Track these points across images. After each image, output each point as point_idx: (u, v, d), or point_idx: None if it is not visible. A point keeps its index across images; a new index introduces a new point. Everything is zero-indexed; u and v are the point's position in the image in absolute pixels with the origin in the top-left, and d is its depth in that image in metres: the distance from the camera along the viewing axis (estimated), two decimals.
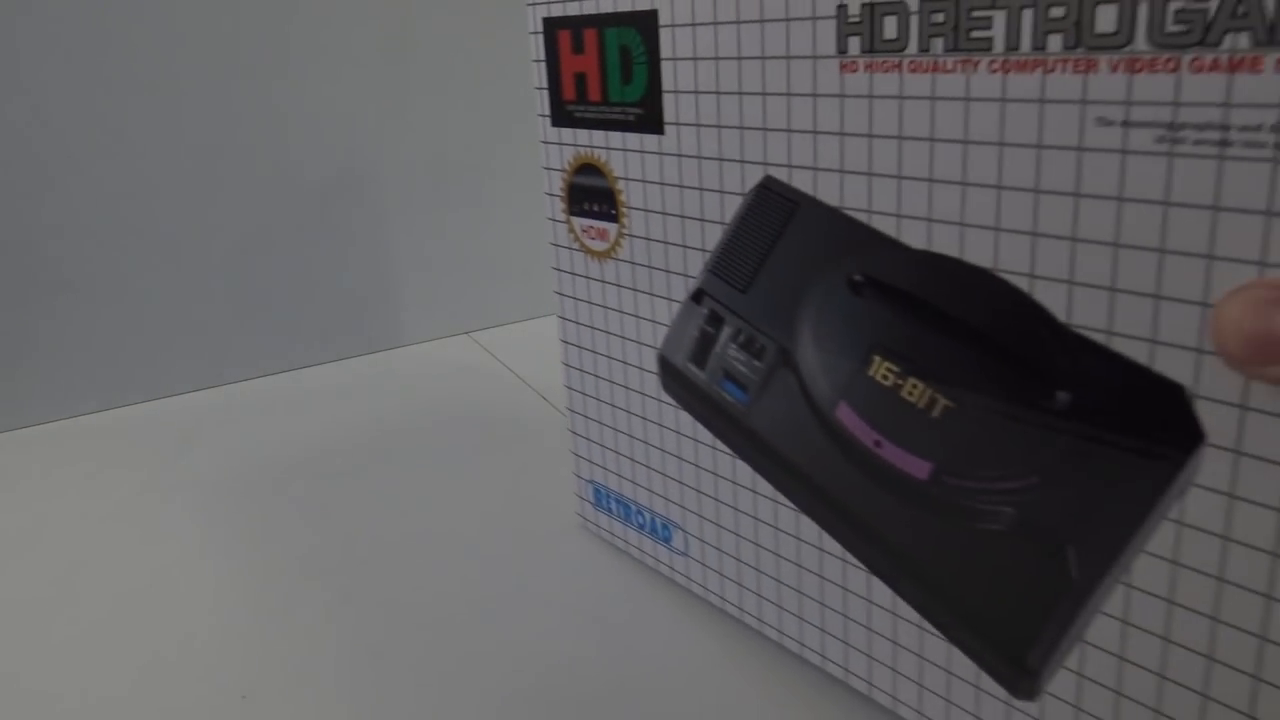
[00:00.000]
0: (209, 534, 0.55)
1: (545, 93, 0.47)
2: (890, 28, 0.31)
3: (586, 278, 0.48)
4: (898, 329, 0.34)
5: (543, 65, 0.46)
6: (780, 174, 0.37)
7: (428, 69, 0.80)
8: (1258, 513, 0.26)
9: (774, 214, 0.37)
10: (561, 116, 0.46)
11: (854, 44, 0.32)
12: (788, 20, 0.34)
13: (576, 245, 0.48)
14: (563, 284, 0.49)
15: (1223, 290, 0.25)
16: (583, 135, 0.45)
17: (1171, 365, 0.27)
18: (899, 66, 0.31)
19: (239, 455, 0.65)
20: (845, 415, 0.36)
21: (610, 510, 0.51)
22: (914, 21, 0.31)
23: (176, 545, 0.55)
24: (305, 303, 0.78)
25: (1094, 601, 0.30)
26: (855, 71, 0.33)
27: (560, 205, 0.48)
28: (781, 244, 0.37)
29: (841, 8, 0.33)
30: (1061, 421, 0.30)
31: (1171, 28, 0.25)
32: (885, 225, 0.33)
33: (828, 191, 0.35)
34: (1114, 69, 0.26)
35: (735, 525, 0.43)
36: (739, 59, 0.37)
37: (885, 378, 0.35)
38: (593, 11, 0.42)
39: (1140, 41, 0.25)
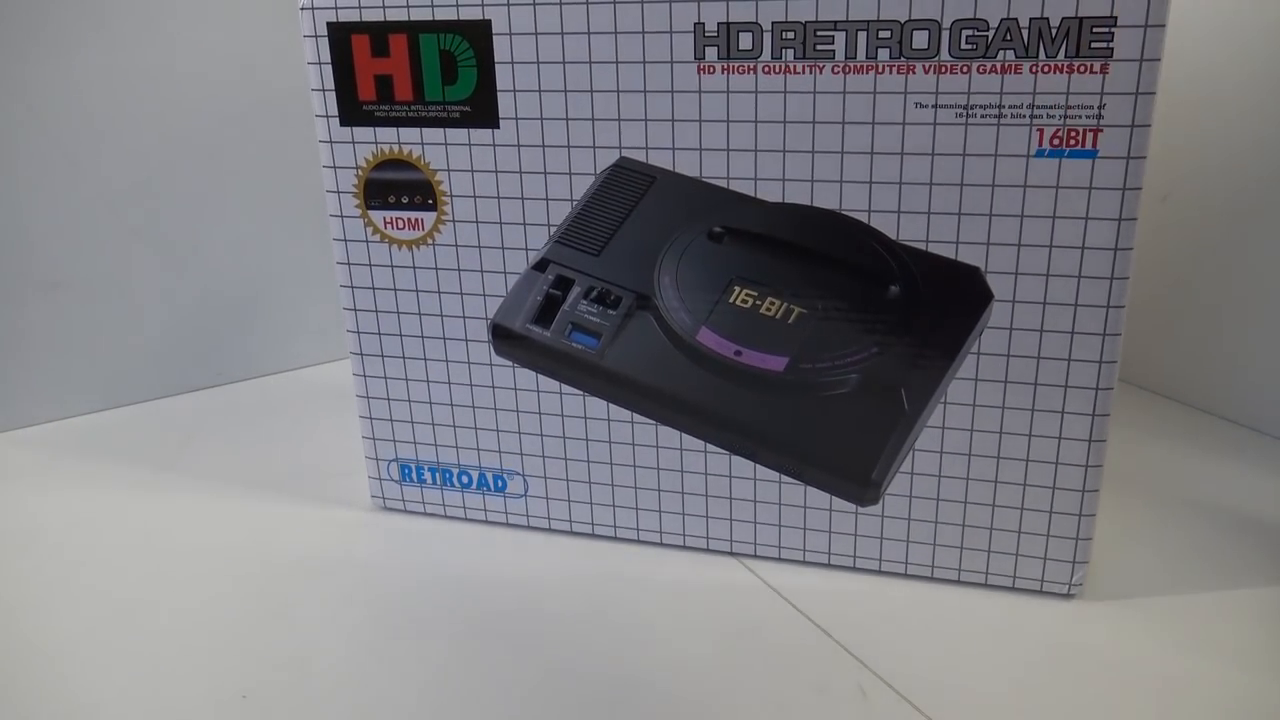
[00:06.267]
0: (209, 534, 0.55)
1: (329, 94, 0.48)
2: (745, 41, 0.42)
3: (390, 266, 0.51)
4: (755, 262, 0.46)
5: (324, 67, 0.48)
6: (638, 155, 0.46)
7: None
8: (1028, 336, 0.43)
9: (629, 188, 0.46)
10: (356, 116, 0.49)
11: (711, 53, 0.43)
12: (643, 33, 0.43)
13: (376, 237, 0.51)
14: (354, 276, 0.52)
15: None
16: (386, 133, 0.49)
17: (970, 256, 0.43)
18: (754, 69, 0.43)
19: (238, 455, 0.64)
20: (706, 337, 0.47)
21: (423, 481, 0.55)
22: (767, 37, 0.42)
23: (176, 545, 0.54)
24: (305, 303, 0.77)
25: (920, 423, 0.46)
26: (713, 74, 0.43)
27: (353, 201, 0.50)
28: (637, 212, 0.47)
29: (698, 25, 0.43)
30: (894, 305, 0.44)
31: (964, 45, 0.40)
32: (743, 188, 0.45)
33: (687, 167, 0.45)
34: (926, 71, 0.41)
35: (586, 454, 0.51)
36: (590, 64, 0.45)
37: (745, 301, 0.46)
38: (400, 18, 0.46)
39: (944, 54, 0.40)
